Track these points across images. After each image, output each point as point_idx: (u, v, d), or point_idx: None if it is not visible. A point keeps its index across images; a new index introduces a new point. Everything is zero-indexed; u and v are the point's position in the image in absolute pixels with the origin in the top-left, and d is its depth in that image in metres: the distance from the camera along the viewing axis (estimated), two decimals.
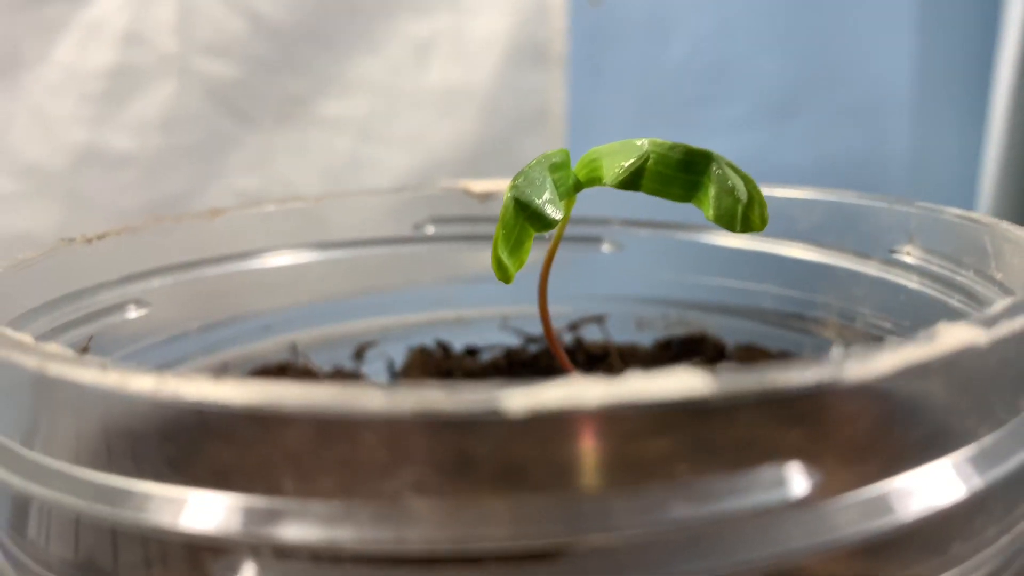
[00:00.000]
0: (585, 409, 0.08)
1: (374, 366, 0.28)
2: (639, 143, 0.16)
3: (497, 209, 0.26)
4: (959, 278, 0.18)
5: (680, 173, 0.16)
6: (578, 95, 0.62)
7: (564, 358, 0.20)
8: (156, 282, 0.21)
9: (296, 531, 0.09)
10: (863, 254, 0.21)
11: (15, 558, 0.12)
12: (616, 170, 0.16)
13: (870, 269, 0.21)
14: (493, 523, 0.09)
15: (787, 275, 0.23)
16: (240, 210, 0.23)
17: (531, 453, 0.09)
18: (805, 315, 0.24)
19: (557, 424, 0.08)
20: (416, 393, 0.08)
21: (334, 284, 0.26)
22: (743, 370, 0.09)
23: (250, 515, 0.09)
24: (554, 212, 0.15)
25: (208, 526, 0.09)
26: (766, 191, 0.23)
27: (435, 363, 0.27)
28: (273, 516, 0.09)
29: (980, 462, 0.10)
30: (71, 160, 0.51)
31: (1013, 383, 0.10)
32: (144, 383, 0.09)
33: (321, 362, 0.27)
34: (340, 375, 0.27)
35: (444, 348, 0.28)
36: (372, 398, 0.08)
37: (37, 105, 0.49)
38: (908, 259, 0.20)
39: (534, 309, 0.28)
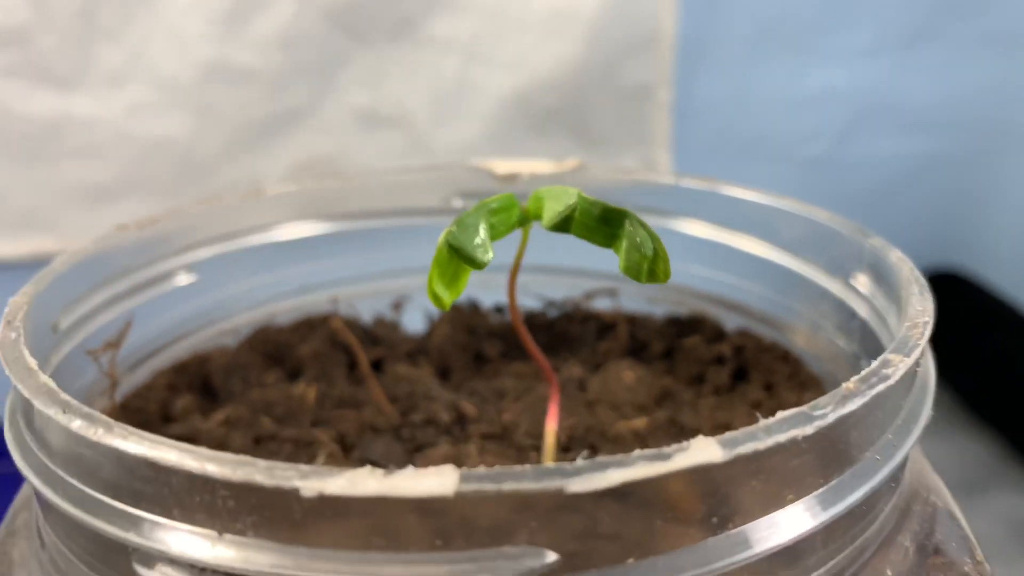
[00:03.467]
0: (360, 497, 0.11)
1: (413, 316, 0.31)
2: (570, 193, 0.18)
3: (519, 187, 0.28)
4: (890, 319, 0.19)
5: (601, 225, 0.18)
6: (690, 19, 0.61)
7: (537, 352, 0.23)
8: (203, 252, 0.25)
9: None
10: (830, 273, 0.23)
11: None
12: (551, 215, 0.18)
13: (833, 289, 0.22)
14: None
15: (771, 279, 0.25)
16: (279, 186, 0.26)
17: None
18: (783, 318, 0.25)
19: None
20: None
21: (373, 249, 0.29)
22: (485, 478, 0.11)
23: None
24: (483, 255, 0.17)
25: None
26: (752, 196, 0.25)
27: (464, 319, 0.31)
28: None
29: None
30: (201, 74, 0.56)
31: (751, 497, 0.12)
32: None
33: (364, 312, 0.30)
34: (380, 323, 0.31)
35: (474, 305, 0.31)
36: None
37: (171, 23, 0.53)
38: (861, 289, 0.21)
39: (551, 278, 0.31)
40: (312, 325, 0.28)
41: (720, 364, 0.27)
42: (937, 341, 0.65)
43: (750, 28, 0.62)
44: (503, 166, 0.28)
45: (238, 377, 0.27)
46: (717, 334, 0.28)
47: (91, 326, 0.21)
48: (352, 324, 0.29)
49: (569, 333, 0.30)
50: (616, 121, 0.62)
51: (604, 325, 0.30)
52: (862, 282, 0.21)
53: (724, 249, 0.26)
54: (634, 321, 0.29)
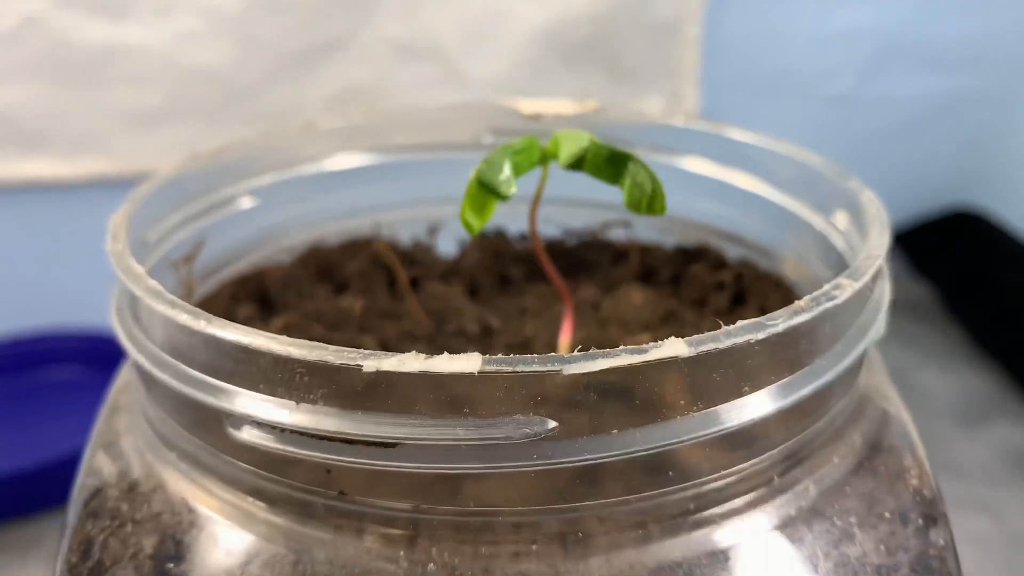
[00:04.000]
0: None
1: (446, 241, 0.35)
2: (584, 137, 0.21)
3: (543, 126, 0.31)
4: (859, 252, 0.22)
5: (608, 165, 0.21)
6: None
7: (555, 275, 0.26)
8: (264, 179, 0.28)
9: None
10: (815, 210, 0.25)
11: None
12: (567, 155, 0.21)
13: (817, 224, 0.25)
14: None
15: (765, 213, 0.28)
16: (330, 121, 0.30)
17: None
18: (774, 248, 0.28)
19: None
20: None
21: (412, 179, 0.33)
22: (502, 362, 0.15)
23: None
24: (507, 188, 0.21)
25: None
26: (751, 139, 0.27)
27: (492, 244, 0.34)
28: None
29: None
30: (244, 5, 0.58)
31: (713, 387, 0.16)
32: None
33: (403, 235, 0.34)
34: (417, 245, 0.34)
35: (500, 232, 0.35)
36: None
37: None
38: (840, 225, 0.24)
39: (572, 209, 0.34)
40: (357, 246, 0.32)
41: (721, 290, 0.30)
42: (949, 277, 0.68)
43: None
44: (529, 106, 0.31)
45: (292, 290, 0.30)
46: (719, 263, 0.31)
47: (172, 241, 0.25)
48: (392, 246, 0.33)
49: (586, 259, 0.33)
50: (645, 55, 0.64)
51: (618, 253, 0.33)
52: (840, 219, 0.24)
53: (727, 187, 0.29)
54: (645, 250, 0.32)
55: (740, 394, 0.16)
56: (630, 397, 0.16)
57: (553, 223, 0.34)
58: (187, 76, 0.58)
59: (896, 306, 0.72)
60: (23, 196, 0.60)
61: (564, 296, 0.27)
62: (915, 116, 0.69)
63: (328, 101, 0.61)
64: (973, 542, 0.48)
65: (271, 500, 0.18)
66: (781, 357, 0.17)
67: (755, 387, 0.17)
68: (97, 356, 0.60)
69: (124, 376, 0.23)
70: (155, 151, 0.60)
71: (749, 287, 0.29)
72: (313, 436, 0.16)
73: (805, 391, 0.17)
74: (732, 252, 0.30)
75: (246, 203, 0.28)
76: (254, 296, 0.30)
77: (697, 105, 0.64)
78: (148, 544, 0.19)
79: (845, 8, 0.64)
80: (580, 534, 0.17)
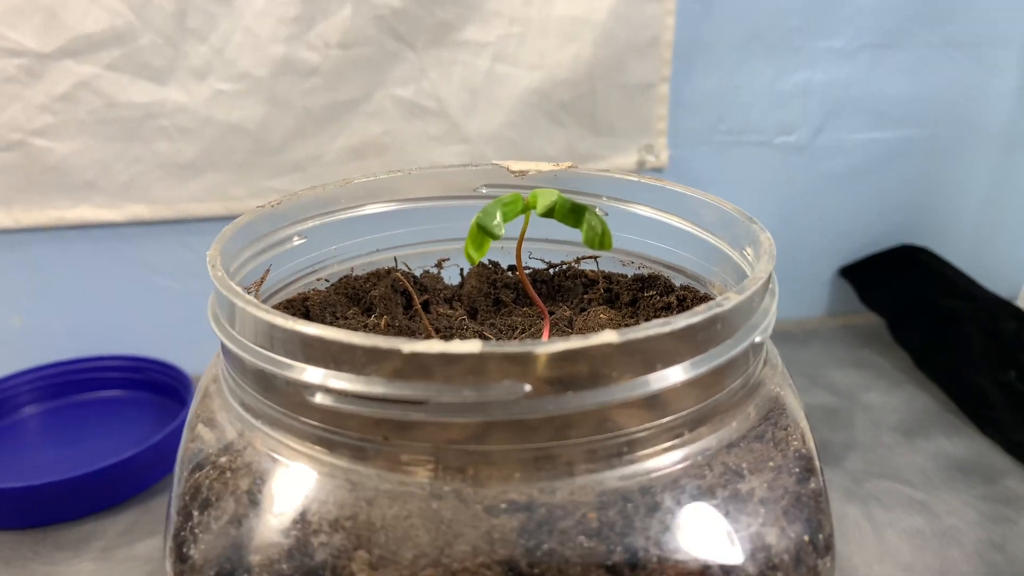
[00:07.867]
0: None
1: (451, 271, 0.43)
2: (554, 193, 0.29)
3: (528, 182, 0.39)
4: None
5: (571, 214, 0.29)
6: (686, 25, 0.71)
7: (535, 296, 0.34)
8: (310, 223, 0.36)
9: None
10: (732, 247, 0.33)
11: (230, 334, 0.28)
12: (541, 207, 0.29)
13: (735, 257, 0.33)
14: None
15: (699, 249, 0.36)
16: (361, 178, 0.38)
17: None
18: (705, 276, 0.36)
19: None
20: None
21: (424, 222, 0.41)
22: (495, 345, 0.23)
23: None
24: (498, 231, 0.29)
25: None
26: (686, 191, 0.35)
27: (488, 274, 0.42)
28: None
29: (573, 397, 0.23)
30: (272, 69, 0.67)
31: (636, 364, 0.24)
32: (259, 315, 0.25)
33: (416, 267, 0.42)
34: (427, 275, 0.42)
35: (494, 264, 0.43)
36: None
37: (248, 26, 0.64)
38: (748, 257, 0.32)
39: (553, 246, 0.42)
40: (380, 276, 0.40)
41: (668, 310, 0.38)
42: (893, 307, 0.77)
43: (739, 33, 0.72)
44: (516, 165, 0.39)
45: (329, 311, 0.38)
46: (668, 288, 0.39)
47: (245, 270, 0.33)
48: (408, 276, 0.41)
49: (563, 286, 0.41)
50: (621, 113, 0.72)
51: (589, 281, 0.41)
52: (749, 252, 0.32)
53: (670, 227, 0.37)
54: (610, 278, 0.41)
55: (655, 369, 0.24)
56: (580, 371, 0.24)
57: (537, 258, 0.42)
58: (220, 132, 0.66)
59: (849, 333, 0.81)
60: (73, 237, 0.68)
61: (543, 313, 0.35)
62: (863, 164, 0.77)
63: (345, 153, 0.69)
64: (910, 537, 0.55)
65: (333, 447, 0.25)
66: (685, 346, 0.25)
67: (666, 365, 0.24)
68: (137, 380, 0.68)
69: (211, 371, 0.31)
70: (191, 198, 0.69)
71: (690, 307, 0.37)
72: (366, 398, 0.24)
73: (703, 370, 0.25)
74: (677, 280, 0.38)
75: (296, 241, 0.36)
76: (298, 315, 0.38)
77: (667, 156, 0.73)
78: (243, 484, 0.26)
79: (799, 69, 0.73)
80: (550, 466, 0.24)
